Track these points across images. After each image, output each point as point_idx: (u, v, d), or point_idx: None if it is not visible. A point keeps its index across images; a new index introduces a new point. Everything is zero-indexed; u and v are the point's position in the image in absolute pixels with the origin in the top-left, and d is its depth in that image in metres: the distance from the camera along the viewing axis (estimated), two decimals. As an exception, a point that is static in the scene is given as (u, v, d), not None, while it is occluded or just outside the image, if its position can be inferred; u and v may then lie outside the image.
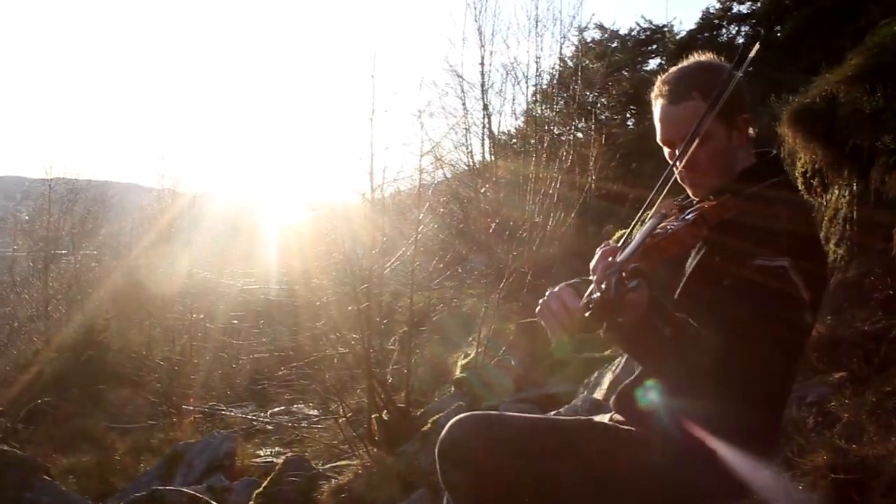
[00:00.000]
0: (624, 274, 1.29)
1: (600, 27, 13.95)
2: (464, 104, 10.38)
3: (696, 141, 1.52)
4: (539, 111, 10.88)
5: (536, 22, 10.01)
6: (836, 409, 2.90)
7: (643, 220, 1.54)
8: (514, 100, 10.47)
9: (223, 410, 9.20)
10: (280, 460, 5.56)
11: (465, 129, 10.31)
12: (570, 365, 5.45)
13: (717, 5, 11.97)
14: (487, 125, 10.38)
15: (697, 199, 1.66)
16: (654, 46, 13.87)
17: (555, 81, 10.95)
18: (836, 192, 4.10)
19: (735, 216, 1.49)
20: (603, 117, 12.13)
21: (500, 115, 10.63)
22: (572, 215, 8.16)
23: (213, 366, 10.77)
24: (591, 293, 1.33)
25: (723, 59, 1.68)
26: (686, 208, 1.57)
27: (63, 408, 10.37)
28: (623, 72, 13.11)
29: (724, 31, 11.96)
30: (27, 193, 20.42)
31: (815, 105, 4.11)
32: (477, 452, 1.57)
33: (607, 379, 4.56)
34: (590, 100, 11.54)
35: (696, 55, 1.71)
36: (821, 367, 3.21)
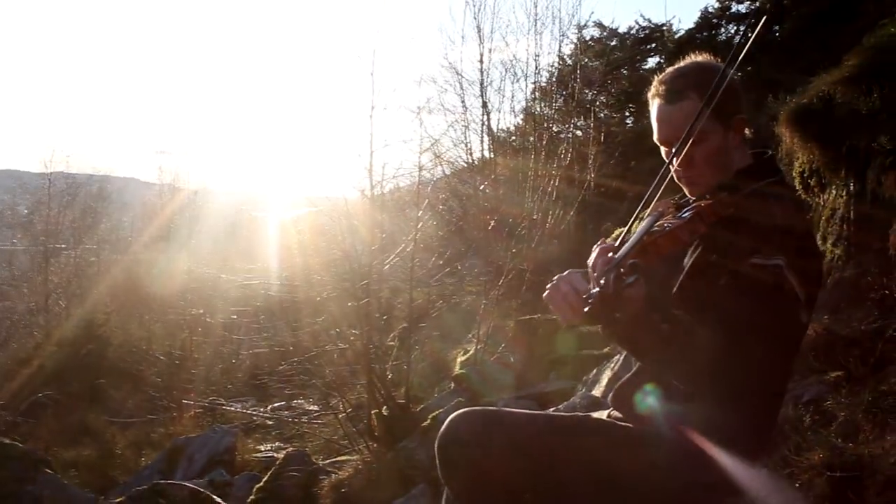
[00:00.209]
0: (622, 270, 1.31)
1: (599, 25, 13.93)
2: (463, 101, 10.34)
3: (692, 140, 1.53)
4: (538, 109, 10.82)
5: (535, 20, 9.93)
6: (833, 407, 2.92)
7: (640, 218, 1.56)
8: (513, 97, 10.41)
9: (223, 405, 9.23)
10: (280, 455, 5.57)
11: (465, 126, 10.28)
12: (569, 362, 5.47)
13: (716, 4, 11.95)
14: (486, 122, 10.36)
15: (694, 198, 1.66)
16: (653, 45, 13.83)
17: (554, 79, 10.90)
18: (834, 191, 4.12)
19: (731, 214, 1.49)
20: (602, 115, 12.11)
21: (500, 112, 10.60)
22: (571, 213, 8.15)
23: (213, 361, 10.78)
24: (589, 289, 1.36)
25: (720, 59, 1.68)
26: (683, 207, 1.58)
27: (63, 402, 10.40)
28: (622, 70, 13.11)
29: (722, 30, 11.95)
30: (26, 187, 20.38)
31: (813, 105, 4.13)
32: (476, 448, 1.57)
33: (606, 376, 4.59)
34: (589, 98, 11.51)
35: (693, 55, 1.72)
36: (817, 366, 3.22)
